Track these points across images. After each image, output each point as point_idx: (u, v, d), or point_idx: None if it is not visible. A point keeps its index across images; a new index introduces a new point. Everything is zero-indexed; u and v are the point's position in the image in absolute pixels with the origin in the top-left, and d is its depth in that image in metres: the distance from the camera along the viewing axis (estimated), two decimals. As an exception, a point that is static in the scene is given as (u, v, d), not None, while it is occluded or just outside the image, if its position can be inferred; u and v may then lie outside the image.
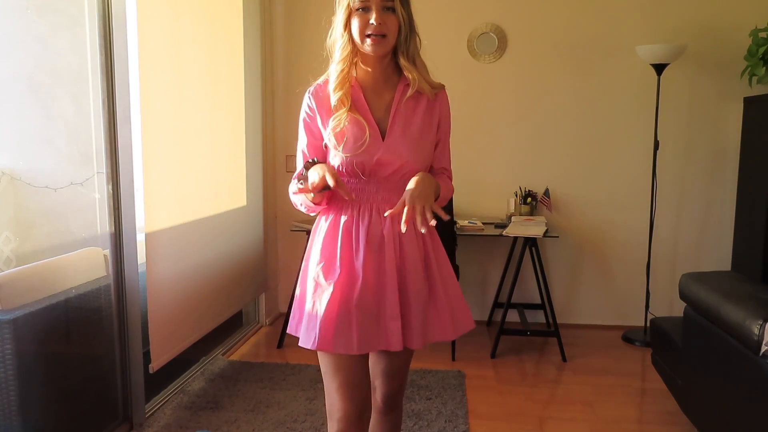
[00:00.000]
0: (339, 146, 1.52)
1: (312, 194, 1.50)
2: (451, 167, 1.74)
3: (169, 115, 2.71)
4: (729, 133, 3.79)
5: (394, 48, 1.54)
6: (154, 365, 2.60)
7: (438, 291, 1.59)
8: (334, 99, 1.54)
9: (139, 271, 2.49)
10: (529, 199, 3.84)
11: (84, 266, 2.37)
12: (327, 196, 1.56)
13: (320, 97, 1.59)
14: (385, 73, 1.58)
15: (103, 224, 2.42)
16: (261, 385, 3.02)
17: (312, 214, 1.64)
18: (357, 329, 1.49)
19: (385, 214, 1.47)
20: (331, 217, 1.58)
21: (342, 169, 1.54)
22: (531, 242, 3.52)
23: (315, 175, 1.45)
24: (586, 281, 4.03)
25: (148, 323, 2.54)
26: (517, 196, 3.88)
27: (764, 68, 3.48)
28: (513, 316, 3.81)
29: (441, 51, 3.94)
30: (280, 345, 3.59)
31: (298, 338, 1.59)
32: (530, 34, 3.88)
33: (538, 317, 4.02)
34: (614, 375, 3.24)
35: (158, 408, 2.73)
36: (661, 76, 3.57)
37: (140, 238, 2.51)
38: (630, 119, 3.85)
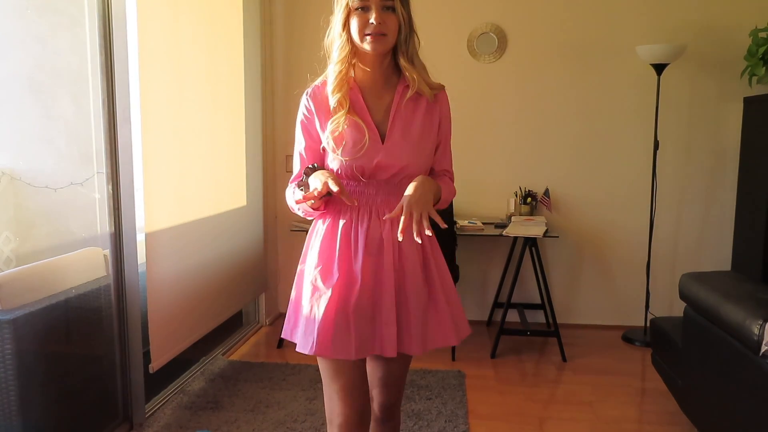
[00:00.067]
0: (338, 150, 1.49)
1: (312, 200, 1.47)
2: (453, 168, 1.71)
3: (169, 115, 2.71)
4: (729, 133, 3.79)
5: (394, 48, 1.51)
6: (154, 365, 2.60)
7: (438, 295, 1.56)
8: (332, 101, 1.51)
9: (139, 271, 2.49)
10: (529, 199, 3.84)
11: (84, 266, 2.37)
12: (326, 200, 1.53)
13: (318, 99, 1.55)
14: (385, 73, 1.55)
15: (103, 224, 2.41)
16: (261, 385, 3.02)
17: (309, 218, 1.60)
18: (355, 334, 1.46)
19: (384, 218, 1.45)
20: (329, 220, 1.55)
21: (341, 172, 1.51)
22: (531, 242, 3.52)
23: (317, 182, 1.42)
24: (586, 281, 4.03)
25: (148, 323, 2.54)
26: (517, 196, 3.88)
27: (764, 68, 3.48)
28: (513, 316, 3.81)
29: (441, 51, 3.94)
30: (280, 345, 3.59)
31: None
32: (530, 34, 3.87)
33: (538, 317, 4.02)
34: (614, 375, 3.24)
35: (158, 408, 2.73)
36: (661, 76, 3.57)
37: (140, 238, 2.50)
38: (630, 119, 3.85)
